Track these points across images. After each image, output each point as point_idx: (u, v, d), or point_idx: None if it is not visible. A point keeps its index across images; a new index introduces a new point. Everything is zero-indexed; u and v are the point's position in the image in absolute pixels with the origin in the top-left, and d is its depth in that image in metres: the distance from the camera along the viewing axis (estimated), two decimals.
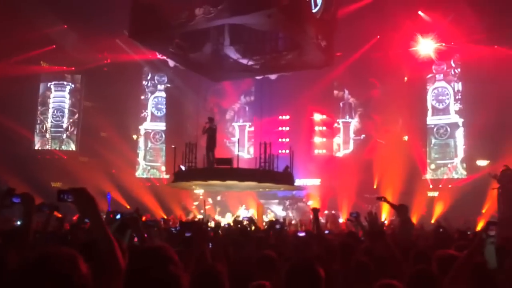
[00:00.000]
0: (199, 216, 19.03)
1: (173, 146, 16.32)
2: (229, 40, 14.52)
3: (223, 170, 14.19)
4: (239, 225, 8.79)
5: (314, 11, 13.09)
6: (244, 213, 19.64)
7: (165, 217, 17.95)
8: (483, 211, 18.65)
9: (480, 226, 15.38)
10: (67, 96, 25.79)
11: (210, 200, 22.59)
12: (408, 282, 2.48)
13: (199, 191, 21.87)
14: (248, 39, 14.70)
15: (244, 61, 15.18)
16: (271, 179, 14.87)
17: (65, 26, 21.79)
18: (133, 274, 1.85)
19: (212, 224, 12.26)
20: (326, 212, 21.05)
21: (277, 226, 5.97)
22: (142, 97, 26.60)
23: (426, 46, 22.15)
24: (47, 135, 25.41)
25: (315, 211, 5.89)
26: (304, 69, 15.86)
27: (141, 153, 26.14)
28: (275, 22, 11.86)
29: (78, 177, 20.09)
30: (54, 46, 22.57)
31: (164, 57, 16.87)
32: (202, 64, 15.53)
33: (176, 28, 12.53)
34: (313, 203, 22.35)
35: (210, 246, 3.82)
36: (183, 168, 14.83)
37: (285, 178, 15.21)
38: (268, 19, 11.55)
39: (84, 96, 25.87)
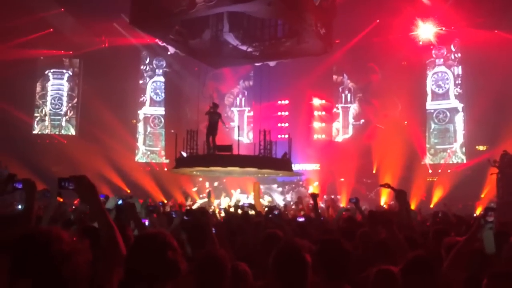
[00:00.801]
0: (200, 201, 19.10)
1: (172, 131, 16.39)
2: (228, 26, 14.56)
3: (224, 156, 14.43)
4: (239, 210, 8.83)
5: None
6: (243, 198, 19.72)
7: (165, 201, 18.05)
8: (482, 196, 18.77)
9: (478, 210, 15.51)
10: (65, 83, 25.72)
11: (207, 185, 22.74)
12: (403, 268, 2.50)
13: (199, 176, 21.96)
14: (247, 26, 14.79)
15: (244, 47, 15.24)
16: (270, 166, 15.17)
17: (62, 9, 21.56)
18: (133, 259, 1.87)
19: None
20: (325, 197, 21.16)
21: (275, 212, 5.99)
22: (141, 81, 26.50)
23: (426, 31, 21.99)
24: (46, 120, 25.37)
25: (314, 196, 5.91)
26: (303, 56, 15.93)
27: (140, 137, 26.14)
28: (275, 10, 11.88)
29: (78, 161, 20.13)
30: (51, 29, 22.36)
31: (164, 44, 16.87)
32: (202, 50, 15.61)
33: (177, 15, 12.54)
34: (312, 188, 22.45)
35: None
36: (184, 154, 14.98)
37: (284, 164, 15.41)
38: (268, 7, 11.56)
39: (82, 81, 25.75)
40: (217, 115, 14.89)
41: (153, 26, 13.92)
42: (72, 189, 2.16)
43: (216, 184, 23.21)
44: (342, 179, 22.12)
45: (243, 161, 14.64)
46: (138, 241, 1.95)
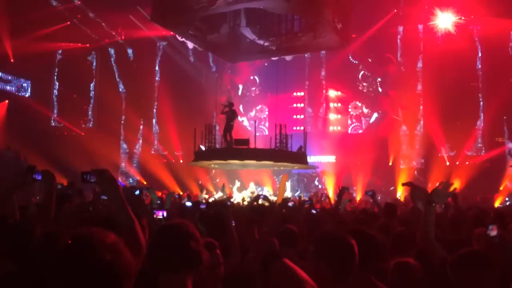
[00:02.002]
0: (217, 195, 19.24)
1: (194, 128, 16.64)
2: (246, 21, 14.74)
3: (241, 150, 14.76)
4: (255, 203, 8.88)
5: None
6: (259, 190, 19.78)
7: (181, 193, 18.20)
8: (501, 188, 18.49)
9: (497, 203, 15.29)
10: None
11: (217, 180, 22.82)
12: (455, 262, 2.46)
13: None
14: (264, 21, 14.93)
15: (260, 42, 15.42)
16: (286, 159, 15.43)
17: (79, 2, 21.74)
18: (155, 249, 1.90)
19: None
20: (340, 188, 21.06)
21: (290, 204, 6.05)
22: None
23: (444, 20, 21.56)
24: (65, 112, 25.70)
25: (343, 189, 6.19)
26: (319, 50, 16.12)
27: (156, 129, 26.32)
28: (293, 5, 12.05)
29: (96, 153, 20.39)
30: (68, 23, 22.58)
31: (183, 39, 17.09)
32: (220, 45, 15.90)
33: (197, 11, 12.79)
34: (327, 180, 22.43)
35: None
36: (203, 148, 15.32)
37: (299, 157, 15.59)
38: (287, 3, 11.69)
39: (99, 74, 25.99)
40: (233, 113, 15.34)
41: (173, 22, 14.18)
42: (94, 182, 2.23)
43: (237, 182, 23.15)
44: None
45: (259, 154, 14.98)
46: (161, 231, 1.96)
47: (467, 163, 21.37)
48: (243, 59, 19.19)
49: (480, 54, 22.20)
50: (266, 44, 15.60)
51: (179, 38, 19.72)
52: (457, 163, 21.69)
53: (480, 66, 22.34)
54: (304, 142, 15.74)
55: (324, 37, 14.50)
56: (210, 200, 15.42)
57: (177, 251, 1.84)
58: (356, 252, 2.18)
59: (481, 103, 22.24)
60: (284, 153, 15.15)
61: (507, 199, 17.39)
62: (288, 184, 21.62)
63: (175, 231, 1.90)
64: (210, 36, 15.21)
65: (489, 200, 16.72)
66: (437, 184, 2.97)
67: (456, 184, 19.85)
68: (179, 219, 2.19)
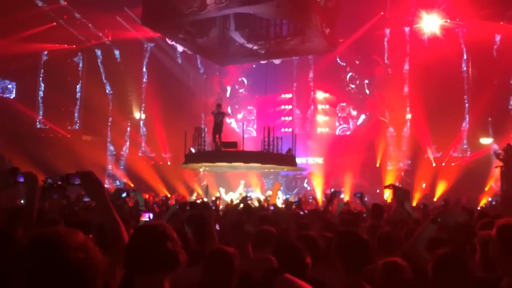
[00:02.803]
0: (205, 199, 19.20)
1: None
2: (235, 25, 14.93)
3: (230, 152, 14.97)
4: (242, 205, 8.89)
5: None
6: (249, 193, 19.77)
7: (168, 195, 18.11)
8: (486, 189, 18.71)
9: (482, 203, 15.47)
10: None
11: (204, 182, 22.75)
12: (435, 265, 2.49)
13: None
14: (253, 25, 15.17)
15: (249, 45, 15.60)
16: (274, 161, 15.57)
17: (65, 2, 21.52)
18: (132, 251, 1.86)
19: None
20: (332, 190, 21.16)
21: (271, 207, 6.16)
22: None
23: (430, 23, 21.78)
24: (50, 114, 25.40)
25: (335, 193, 6.61)
26: (308, 54, 16.33)
27: (144, 131, 26.14)
28: (283, 11, 12.36)
29: (81, 155, 20.17)
30: (54, 23, 22.34)
31: (173, 42, 17.16)
32: (209, 48, 16.10)
33: (188, 16, 12.99)
34: (315, 183, 22.53)
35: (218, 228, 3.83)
36: (193, 150, 15.40)
37: (288, 160, 15.73)
38: (277, 9, 11.93)
39: (86, 75, 25.75)
40: (222, 115, 15.46)
41: (164, 26, 14.33)
42: (78, 184, 2.19)
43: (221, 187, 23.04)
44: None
45: (249, 157, 15.11)
46: (137, 232, 1.91)
47: (453, 164, 21.60)
48: (232, 63, 19.36)
49: (465, 57, 22.48)
50: (255, 47, 15.80)
51: (169, 41, 19.77)
52: (443, 164, 21.91)
53: (465, 69, 22.62)
54: (293, 144, 15.81)
55: (312, 41, 14.78)
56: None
57: (152, 253, 1.80)
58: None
59: (467, 104, 22.52)
60: (274, 155, 15.29)
61: (490, 199, 17.61)
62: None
63: (151, 232, 1.86)
64: (199, 39, 15.36)
65: (474, 201, 16.92)
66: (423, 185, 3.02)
67: (442, 185, 20.03)
68: (156, 220, 2.16)
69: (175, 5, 12.72)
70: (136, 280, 1.82)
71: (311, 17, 13.01)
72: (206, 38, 15.32)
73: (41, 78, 25.22)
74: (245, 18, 14.65)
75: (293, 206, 6.23)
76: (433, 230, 2.87)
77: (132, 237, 1.90)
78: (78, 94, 25.81)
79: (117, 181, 24.32)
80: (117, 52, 25.15)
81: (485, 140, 21.15)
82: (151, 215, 4.46)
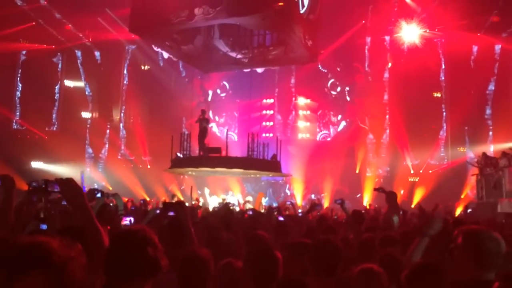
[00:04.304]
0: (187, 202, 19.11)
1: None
2: (219, 33, 15.18)
3: (214, 158, 15.05)
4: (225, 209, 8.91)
5: (301, 11, 13.84)
6: (230, 198, 19.74)
7: (148, 198, 17.91)
8: (462, 196, 19.07)
9: (458, 211, 15.75)
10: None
11: (183, 186, 22.66)
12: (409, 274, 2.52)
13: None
14: (237, 34, 15.52)
15: (233, 54, 15.88)
16: (259, 167, 15.72)
17: (45, 2, 21.17)
18: (111, 256, 1.82)
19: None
20: (313, 196, 21.32)
21: (250, 212, 6.30)
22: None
23: (410, 32, 22.17)
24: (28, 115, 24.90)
25: (314, 204, 6.73)
26: (290, 64, 16.76)
27: (123, 133, 25.85)
28: (269, 23, 12.71)
29: (59, 157, 19.83)
30: (33, 23, 21.94)
31: (159, 49, 17.36)
32: (194, 56, 16.38)
33: (176, 25, 13.26)
34: (295, 188, 22.62)
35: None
36: (180, 155, 15.43)
37: (273, 166, 15.91)
38: (262, 21, 12.23)
39: (65, 76, 25.37)
40: (206, 121, 15.81)
41: (152, 33, 14.54)
42: (58, 191, 2.14)
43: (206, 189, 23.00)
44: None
45: (231, 162, 15.26)
46: (117, 237, 1.87)
47: (430, 171, 21.99)
48: (216, 70, 19.69)
49: (443, 66, 22.96)
50: (238, 56, 16.16)
51: (155, 48, 19.79)
52: (421, 171, 22.29)
53: (443, 78, 23.10)
54: (278, 150, 15.91)
55: (295, 52, 15.30)
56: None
57: (133, 258, 1.76)
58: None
59: (444, 113, 22.98)
60: (257, 161, 15.43)
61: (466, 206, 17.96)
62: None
63: (131, 237, 1.82)
64: (184, 47, 15.63)
65: (451, 208, 17.21)
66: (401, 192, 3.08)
67: (420, 192, 20.30)
68: (137, 224, 2.14)
69: (163, 14, 12.99)
70: (117, 286, 1.78)
71: (294, 29, 13.45)
72: (191, 45, 15.61)
73: (18, 78, 24.73)
74: (229, 27, 14.97)
75: (275, 213, 6.22)
76: (426, 242, 2.91)
77: (112, 242, 1.87)
78: (57, 95, 25.38)
79: (95, 184, 23.95)
80: (97, 53, 24.87)
81: (462, 149, 21.61)
82: (132, 219, 4.39)
